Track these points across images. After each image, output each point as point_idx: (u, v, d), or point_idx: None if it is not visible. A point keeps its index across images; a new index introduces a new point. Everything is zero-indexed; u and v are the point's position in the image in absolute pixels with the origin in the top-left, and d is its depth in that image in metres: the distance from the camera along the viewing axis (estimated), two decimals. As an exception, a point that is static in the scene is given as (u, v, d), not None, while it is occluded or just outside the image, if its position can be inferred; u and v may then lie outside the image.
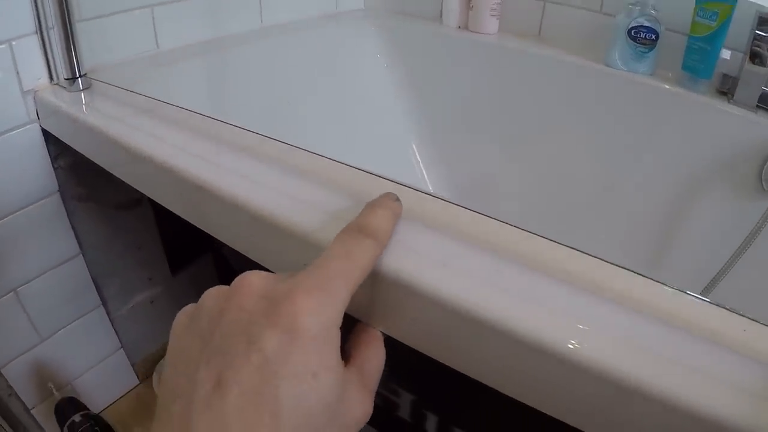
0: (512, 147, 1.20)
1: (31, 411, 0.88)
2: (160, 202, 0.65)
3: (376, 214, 0.40)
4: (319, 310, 0.31)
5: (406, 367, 0.42)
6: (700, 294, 0.38)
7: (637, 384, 0.32)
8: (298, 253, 0.47)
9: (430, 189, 1.28)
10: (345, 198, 0.49)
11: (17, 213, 0.88)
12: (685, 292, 0.39)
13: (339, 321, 0.33)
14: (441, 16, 1.29)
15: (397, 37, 1.29)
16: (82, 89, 0.82)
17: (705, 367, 0.33)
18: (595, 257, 0.42)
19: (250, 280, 0.34)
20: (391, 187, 0.49)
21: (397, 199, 0.43)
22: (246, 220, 0.49)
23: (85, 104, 0.79)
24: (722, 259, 0.88)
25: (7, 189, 0.86)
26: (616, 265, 0.41)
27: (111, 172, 0.74)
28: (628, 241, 1.07)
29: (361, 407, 0.34)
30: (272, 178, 0.53)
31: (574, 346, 0.34)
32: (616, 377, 0.33)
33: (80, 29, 0.82)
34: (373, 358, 0.38)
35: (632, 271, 0.40)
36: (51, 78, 0.86)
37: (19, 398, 0.86)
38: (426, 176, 1.30)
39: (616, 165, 1.07)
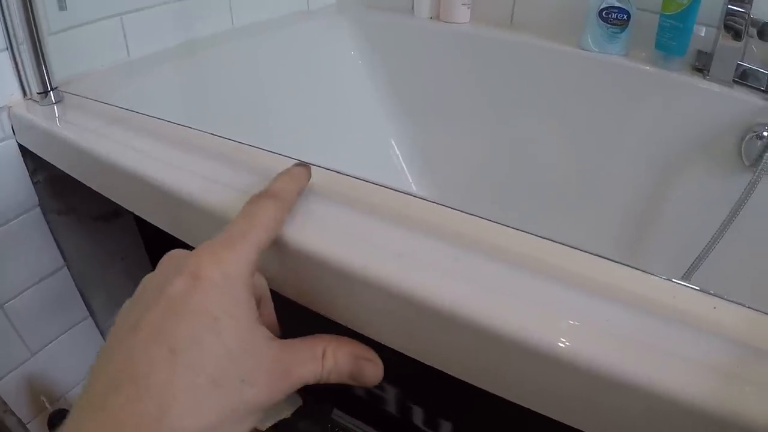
0: (490, 135, 1.20)
1: (27, 426, 0.88)
2: (135, 212, 0.65)
3: (277, 179, 0.44)
4: (221, 261, 0.35)
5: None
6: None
7: (607, 371, 0.32)
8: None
9: (411, 182, 1.28)
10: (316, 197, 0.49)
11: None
12: (652, 274, 0.39)
13: (244, 275, 0.35)
14: (413, 7, 1.29)
15: (370, 31, 1.29)
16: (54, 102, 0.82)
17: (676, 349, 0.33)
18: (564, 245, 0.42)
19: (171, 252, 0.39)
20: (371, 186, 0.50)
21: (303, 165, 0.47)
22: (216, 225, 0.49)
23: (57, 117, 0.78)
24: (706, 237, 0.88)
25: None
26: (584, 251, 0.41)
27: (87, 184, 0.74)
28: (609, 225, 1.08)
29: (267, 387, 0.34)
30: (243, 182, 0.53)
31: (542, 337, 0.34)
32: (586, 366, 0.33)
33: (51, 42, 0.81)
34: (310, 363, 0.38)
35: (598, 255, 0.40)
36: (24, 93, 0.85)
37: (14, 414, 0.85)
38: (406, 169, 1.30)
39: (594, 148, 1.08)
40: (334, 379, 0.38)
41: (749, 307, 0.36)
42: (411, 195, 0.49)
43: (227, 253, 0.35)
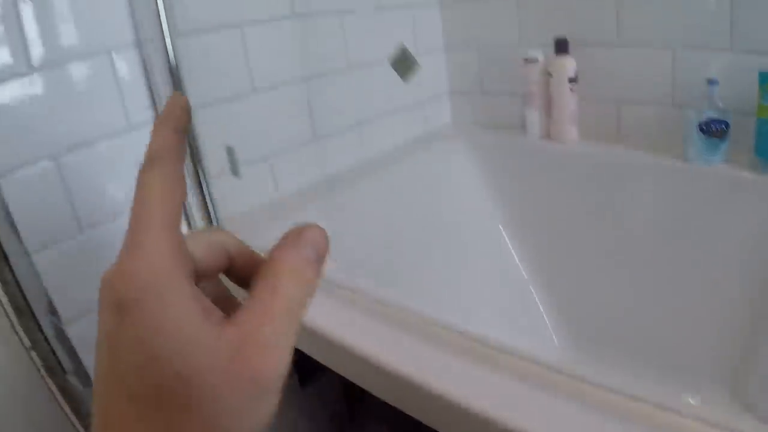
0: (609, 256, 1.24)
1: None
2: None
3: (152, 135, 0.31)
4: (132, 276, 0.27)
5: None
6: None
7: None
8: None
9: (535, 296, 1.35)
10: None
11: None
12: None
13: (166, 270, 0.27)
14: (524, 126, 1.40)
15: (487, 154, 1.41)
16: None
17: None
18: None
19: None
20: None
21: (174, 96, 0.33)
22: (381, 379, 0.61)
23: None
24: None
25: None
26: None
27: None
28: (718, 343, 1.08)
29: None
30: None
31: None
32: None
33: (212, 185, 0.99)
34: None
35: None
36: (189, 230, 1.03)
37: None
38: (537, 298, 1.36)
39: (702, 260, 1.09)
40: None
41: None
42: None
43: (133, 262, 0.27)
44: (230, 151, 1.02)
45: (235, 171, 1.03)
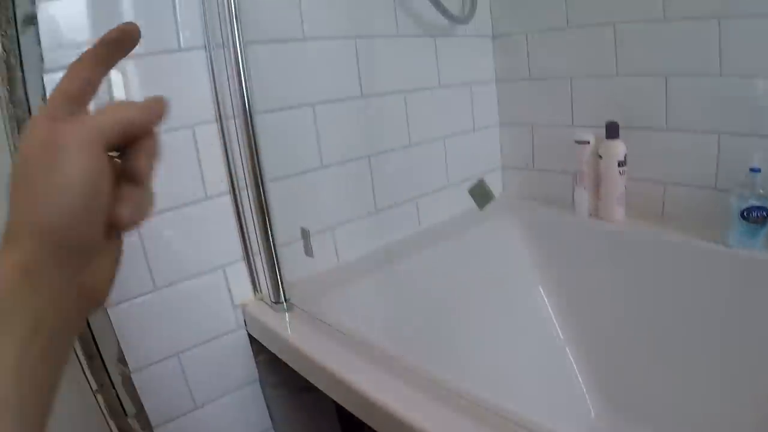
0: (648, 333, 1.27)
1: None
2: (336, 400, 0.86)
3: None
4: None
5: None
6: None
7: None
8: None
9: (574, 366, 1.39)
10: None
11: (225, 397, 1.11)
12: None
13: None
14: (573, 202, 1.45)
15: (535, 228, 1.47)
16: (286, 311, 1.06)
17: None
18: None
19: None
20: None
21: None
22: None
23: (288, 324, 1.02)
24: None
25: (218, 379, 1.10)
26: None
27: (301, 374, 0.95)
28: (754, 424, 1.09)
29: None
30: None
31: None
32: None
33: (280, 252, 1.06)
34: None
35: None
36: (255, 292, 1.11)
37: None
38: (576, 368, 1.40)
39: (739, 342, 1.11)
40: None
41: None
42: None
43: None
44: (305, 234, 1.10)
45: (308, 252, 1.12)
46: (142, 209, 0.41)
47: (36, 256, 0.34)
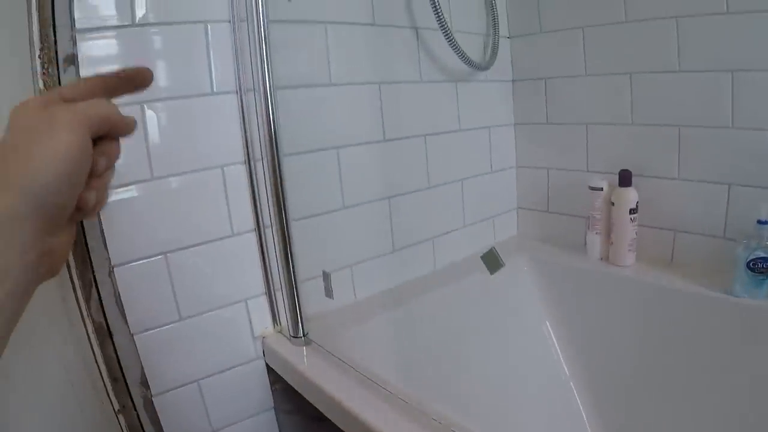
0: (653, 377, 1.30)
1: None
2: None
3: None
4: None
5: None
6: None
7: None
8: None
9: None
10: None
11: (241, 422, 1.16)
12: None
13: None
14: (585, 246, 1.49)
15: (548, 269, 1.51)
16: (304, 345, 1.11)
17: None
18: None
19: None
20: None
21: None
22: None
23: (305, 357, 1.07)
24: None
25: (235, 405, 1.14)
26: None
27: (315, 405, 1.00)
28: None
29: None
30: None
31: None
32: None
33: (300, 288, 1.11)
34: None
35: None
36: (274, 325, 1.16)
37: None
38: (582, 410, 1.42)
39: (741, 391, 1.14)
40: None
41: None
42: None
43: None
44: (326, 276, 1.15)
45: (328, 294, 1.16)
46: (102, 200, 0.46)
47: (18, 209, 0.38)
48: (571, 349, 1.46)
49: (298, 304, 1.08)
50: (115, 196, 0.94)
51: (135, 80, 0.49)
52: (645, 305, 1.32)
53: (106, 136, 0.45)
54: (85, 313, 0.96)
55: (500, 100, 1.64)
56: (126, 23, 0.93)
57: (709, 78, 1.24)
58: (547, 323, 1.49)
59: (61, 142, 0.40)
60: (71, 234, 0.45)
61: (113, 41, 0.93)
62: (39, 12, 0.86)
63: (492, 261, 1.05)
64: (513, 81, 1.65)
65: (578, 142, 1.52)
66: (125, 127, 0.46)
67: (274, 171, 1.01)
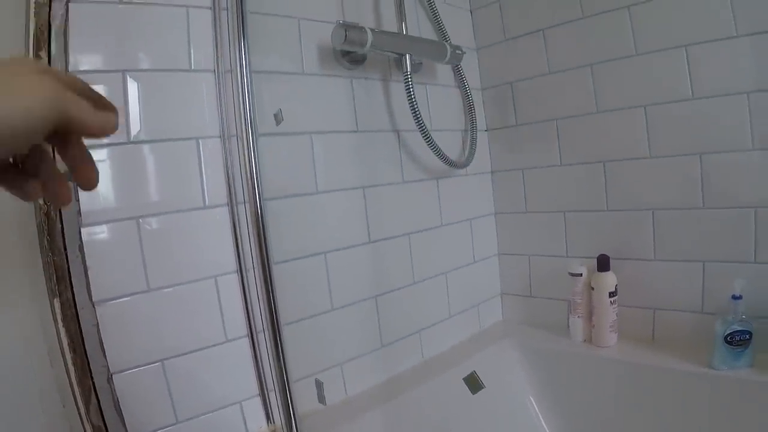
0: None
1: None
2: None
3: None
4: None
5: None
6: None
7: None
8: None
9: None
10: None
11: None
12: None
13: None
14: (568, 328, 1.54)
15: (533, 353, 1.56)
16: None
17: None
18: None
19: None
20: None
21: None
22: None
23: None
24: None
25: None
26: None
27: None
28: None
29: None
30: None
31: None
32: None
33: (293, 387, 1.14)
34: None
35: None
36: (268, 423, 1.19)
37: None
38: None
39: None
40: None
41: None
42: None
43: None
44: (319, 385, 1.20)
45: (321, 400, 1.21)
46: (55, 195, 0.47)
47: None
48: (557, 425, 1.49)
49: (292, 405, 1.11)
50: (113, 306, 0.98)
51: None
52: (629, 383, 1.36)
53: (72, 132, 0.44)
54: (84, 418, 0.99)
55: (480, 191, 1.72)
56: (121, 141, 1.00)
57: (679, 161, 1.32)
58: (535, 405, 1.53)
59: (34, 97, 0.39)
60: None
61: (106, 162, 0.99)
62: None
63: (473, 383, 1.10)
64: (492, 172, 1.74)
65: (557, 229, 1.60)
66: (100, 131, 0.45)
67: (265, 279, 1.06)
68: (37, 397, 1.01)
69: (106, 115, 0.45)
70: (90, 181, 0.48)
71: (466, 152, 1.61)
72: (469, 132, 1.61)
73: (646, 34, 1.33)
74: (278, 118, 1.14)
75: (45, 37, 0.93)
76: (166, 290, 1.04)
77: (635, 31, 1.35)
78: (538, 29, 1.55)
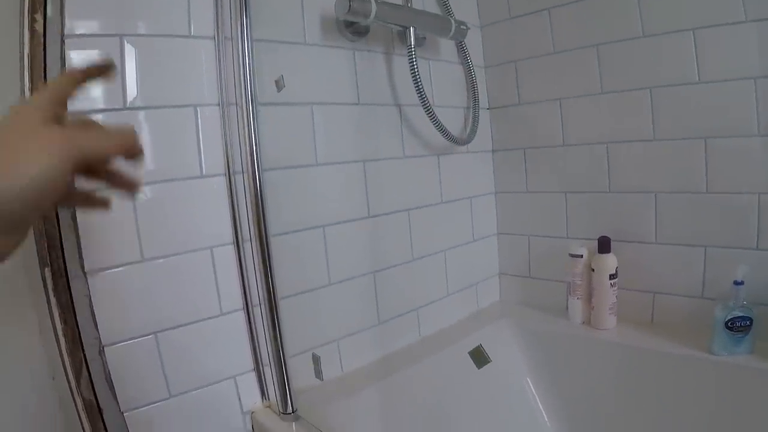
0: None
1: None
2: None
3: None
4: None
5: None
6: None
7: None
8: None
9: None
10: None
11: None
12: None
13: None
14: (567, 310, 1.52)
15: (531, 334, 1.55)
16: (293, 421, 1.11)
17: None
18: None
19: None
20: None
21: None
22: None
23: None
24: None
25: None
26: None
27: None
28: None
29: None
30: None
31: None
32: None
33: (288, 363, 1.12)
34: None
35: None
36: (263, 400, 1.17)
37: None
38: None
39: None
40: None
41: None
42: None
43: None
44: (316, 359, 1.18)
45: (318, 376, 1.19)
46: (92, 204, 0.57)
47: None
48: (557, 412, 1.48)
49: (287, 381, 1.09)
50: (106, 276, 0.96)
51: (102, 72, 0.53)
52: (627, 367, 1.35)
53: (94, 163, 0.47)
54: (75, 391, 0.97)
55: (481, 170, 1.70)
56: (117, 107, 0.97)
57: (683, 145, 1.30)
58: (532, 387, 1.51)
59: (42, 168, 0.41)
60: (23, 235, 0.45)
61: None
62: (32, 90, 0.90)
63: (479, 356, 1.09)
64: (493, 151, 1.71)
65: (558, 210, 1.58)
66: (112, 146, 0.49)
67: (263, 251, 1.04)
68: (27, 370, 1.00)
69: (120, 133, 0.49)
70: (131, 190, 0.57)
71: (468, 129, 1.58)
72: (471, 109, 1.58)
73: (653, 17, 1.31)
74: (279, 85, 1.11)
75: (41, -1, 0.91)
76: (160, 261, 1.02)
77: (642, 12, 1.32)
78: (544, 8, 1.51)
